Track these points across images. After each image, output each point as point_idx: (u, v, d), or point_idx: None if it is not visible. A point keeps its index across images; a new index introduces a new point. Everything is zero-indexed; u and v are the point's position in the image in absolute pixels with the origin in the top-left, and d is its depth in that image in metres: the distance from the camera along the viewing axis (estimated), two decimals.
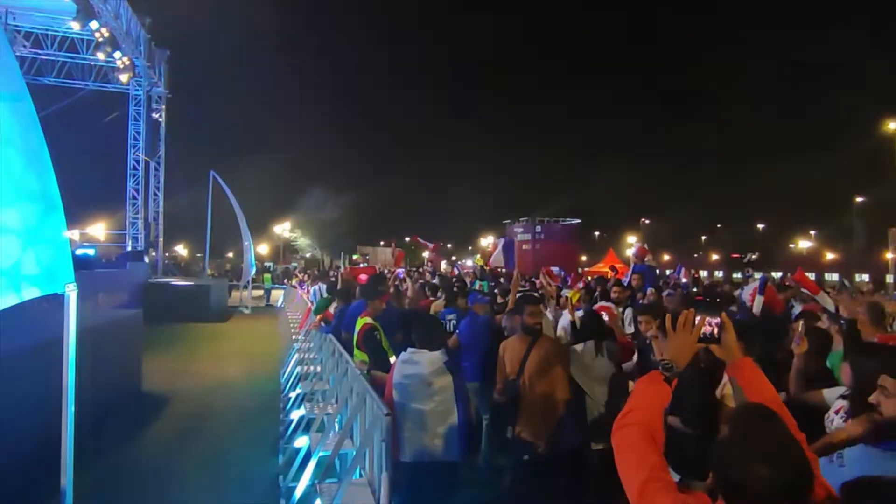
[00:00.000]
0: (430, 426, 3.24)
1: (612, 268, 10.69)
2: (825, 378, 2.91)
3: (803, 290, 5.80)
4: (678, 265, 17.57)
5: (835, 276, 39.76)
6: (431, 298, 7.06)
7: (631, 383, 3.60)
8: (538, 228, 42.25)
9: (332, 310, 6.39)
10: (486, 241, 54.70)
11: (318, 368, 6.26)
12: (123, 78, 16.58)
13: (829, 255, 49.81)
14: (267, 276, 24.96)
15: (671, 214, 58.48)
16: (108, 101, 19.26)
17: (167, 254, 23.68)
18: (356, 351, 4.60)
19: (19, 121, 2.92)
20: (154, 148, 19.26)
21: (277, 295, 22.51)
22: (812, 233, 53.11)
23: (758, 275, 8.45)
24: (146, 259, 17.81)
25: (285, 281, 25.50)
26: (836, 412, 2.44)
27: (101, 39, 14.25)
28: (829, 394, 2.70)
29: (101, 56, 15.30)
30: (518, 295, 4.79)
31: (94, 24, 13.68)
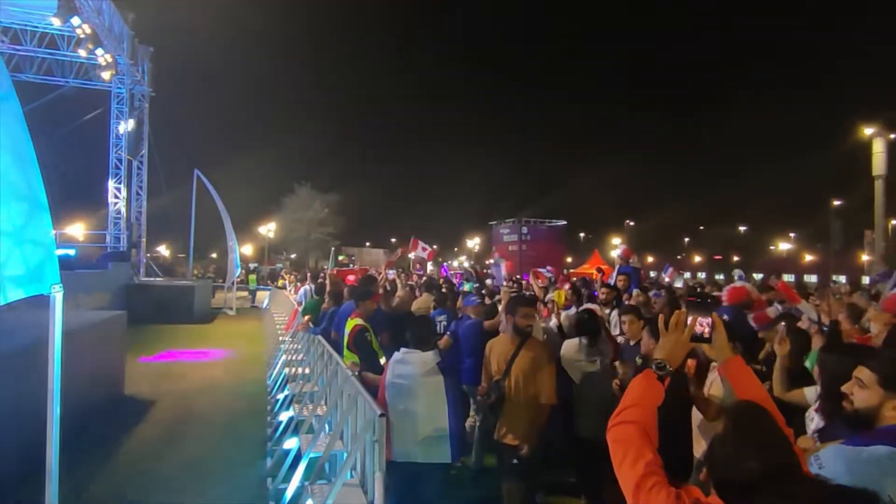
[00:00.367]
0: (421, 427, 3.24)
1: (599, 269, 10.79)
2: (806, 377, 3.00)
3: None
4: (666, 265, 17.80)
5: (813, 278, 40.68)
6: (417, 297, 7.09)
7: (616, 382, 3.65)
8: (524, 229, 42.46)
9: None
10: (473, 242, 54.86)
11: (307, 370, 6.22)
12: (106, 75, 16.27)
13: (808, 257, 50.89)
14: (252, 276, 24.73)
15: (655, 216, 59.23)
16: (90, 98, 18.92)
17: (149, 254, 23.30)
18: (346, 352, 4.59)
19: (6, 119, 2.87)
20: (137, 147, 18.94)
21: (263, 296, 22.33)
22: (791, 235, 54.21)
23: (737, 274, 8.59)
24: (131, 259, 17.54)
25: (270, 282, 25.29)
26: (816, 410, 2.52)
27: (82, 36, 13.96)
28: (809, 392, 2.79)
29: (82, 53, 14.98)
30: (512, 295, 4.83)
31: (75, 21, 13.39)
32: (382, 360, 4.41)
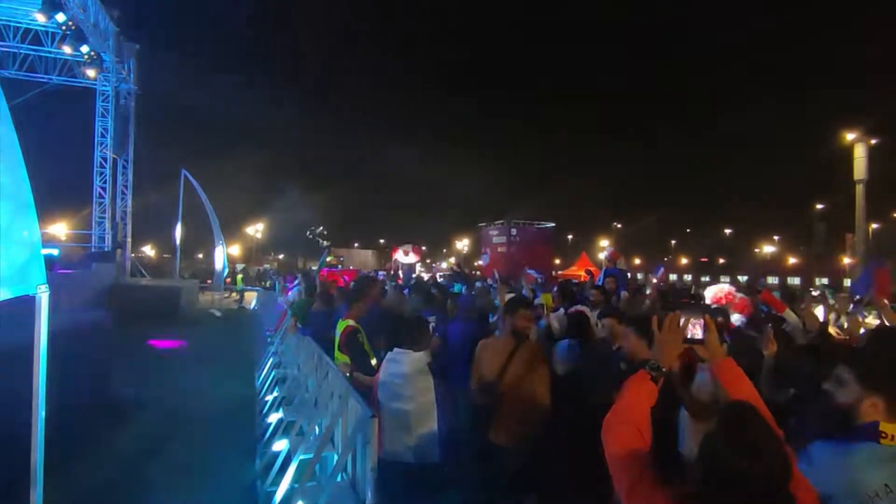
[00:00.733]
0: (411, 426, 3.27)
1: (588, 271, 10.87)
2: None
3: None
4: (657, 266, 17.95)
5: (797, 280, 41.32)
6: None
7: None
8: (513, 231, 42.56)
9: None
10: (462, 243, 54.89)
11: (296, 371, 6.18)
12: (91, 73, 16.01)
13: (792, 260, 51.70)
14: (239, 277, 24.49)
15: (642, 219, 59.85)
16: (74, 96, 18.62)
17: (134, 254, 22.96)
18: (337, 353, 4.57)
19: None
20: (122, 145, 18.67)
21: (250, 297, 22.13)
22: (775, 238, 55.04)
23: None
24: (115, 259, 17.29)
25: (258, 283, 25.09)
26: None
27: (67, 32, 13.76)
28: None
29: (67, 50, 14.75)
30: (510, 297, 4.84)
31: (60, 17, 13.17)
32: (374, 362, 4.42)
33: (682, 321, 1.70)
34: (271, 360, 7.69)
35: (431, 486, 3.54)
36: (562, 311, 6.05)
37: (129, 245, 19.60)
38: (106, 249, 17.94)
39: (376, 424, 2.84)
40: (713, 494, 1.32)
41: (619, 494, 1.48)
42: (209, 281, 21.60)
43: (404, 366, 3.38)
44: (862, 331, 3.84)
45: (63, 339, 5.59)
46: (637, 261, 51.62)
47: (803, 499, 1.36)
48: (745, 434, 1.32)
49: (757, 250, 56.54)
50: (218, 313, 18.26)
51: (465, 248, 54.65)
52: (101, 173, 18.55)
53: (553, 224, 45.51)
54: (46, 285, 3.05)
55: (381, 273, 8.81)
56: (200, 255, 42.22)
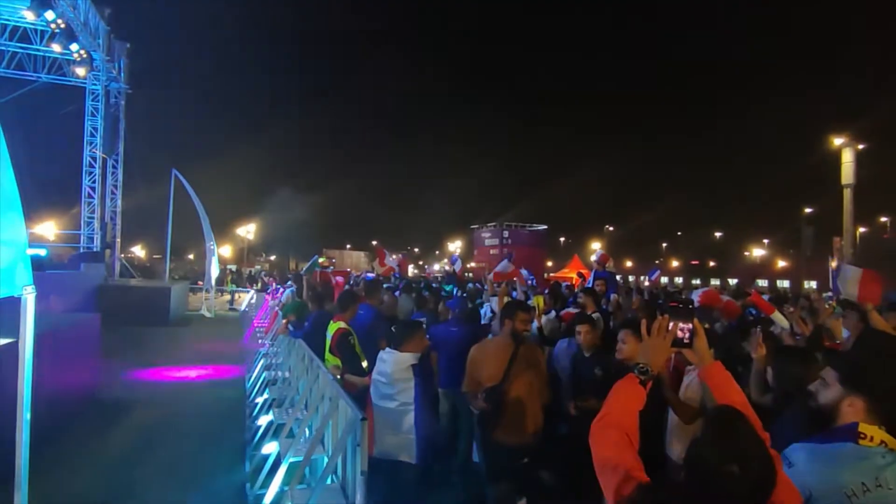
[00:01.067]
0: (392, 425, 3.40)
1: (580, 274, 10.92)
2: None
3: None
4: (653, 269, 18.09)
5: (786, 283, 41.73)
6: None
7: None
8: (506, 234, 42.66)
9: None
10: (454, 245, 54.90)
11: (287, 373, 6.15)
12: (80, 71, 15.82)
13: (781, 263, 52.20)
14: (229, 279, 24.33)
15: (634, 222, 60.20)
16: (63, 94, 18.40)
17: (124, 255, 22.73)
18: (328, 355, 4.56)
19: None
20: (112, 144, 18.49)
21: (242, 298, 21.99)
22: (765, 241, 55.55)
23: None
24: (104, 260, 17.11)
25: (249, 285, 24.91)
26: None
27: (56, 31, 13.59)
28: None
29: (56, 48, 14.54)
30: (508, 300, 4.87)
31: (49, 15, 13.00)
32: (365, 364, 4.42)
33: (670, 325, 1.71)
34: (262, 361, 7.64)
35: (422, 485, 3.57)
36: (553, 313, 6.09)
37: (118, 246, 19.40)
38: (95, 250, 17.75)
39: (366, 427, 2.84)
40: (699, 498, 1.32)
41: (606, 498, 1.48)
42: (200, 282, 21.43)
43: (389, 365, 3.49)
44: (845, 333, 3.88)
45: (50, 340, 5.54)
46: (629, 263, 51.89)
47: (787, 502, 1.37)
48: (731, 440, 1.33)
49: (747, 253, 57.03)
50: (209, 314, 18.13)
51: (458, 250, 54.66)
52: (91, 173, 18.35)
53: (545, 226, 45.67)
54: (33, 286, 3.02)
55: (369, 275, 8.81)
56: (191, 256, 41.91)
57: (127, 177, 19.37)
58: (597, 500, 1.65)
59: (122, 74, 18.86)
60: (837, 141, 17.95)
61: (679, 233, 65.15)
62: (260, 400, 6.33)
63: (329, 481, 3.35)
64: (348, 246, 55.07)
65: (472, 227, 47.30)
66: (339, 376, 4.17)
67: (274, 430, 4.99)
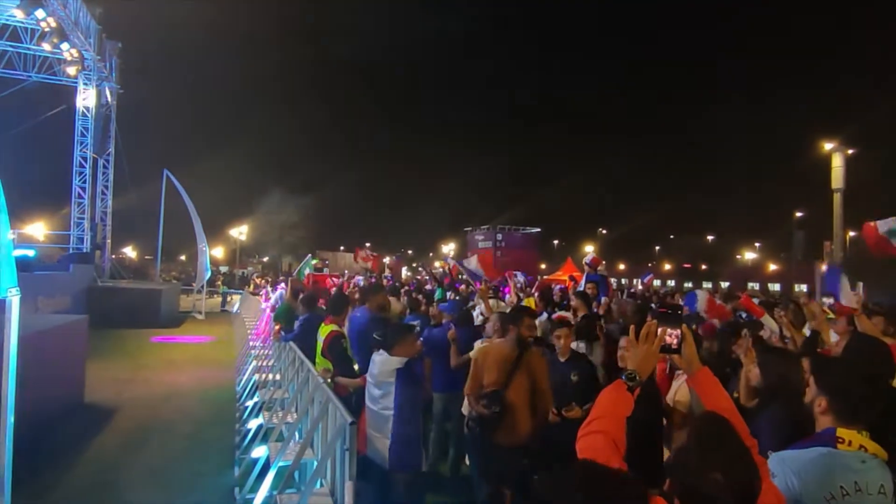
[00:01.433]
0: (375, 427, 3.43)
1: (572, 277, 10.92)
2: None
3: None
4: (646, 272, 18.15)
5: (777, 286, 42.04)
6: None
7: None
8: (499, 236, 42.80)
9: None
10: (448, 247, 54.93)
11: (277, 377, 6.11)
12: (71, 71, 15.70)
13: (772, 266, 52.60)
14: (220, 281, 24.20)
15: (627, 225, 60.44)
16: (53, 94, 18.24)
17: (115, 256, 22.55)
18: (319, 358, 4.53)
19: None
20: (103, 144, 18.34)
21: (233, 300, 21.86)
22: (756, 245, 55.95)
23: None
24: (94, 261, 16.95)
25: (242, 286, 24.78)
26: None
27: (47, 29, 13.46)
28: None
29: (47, 47, 14.42)
30: (516, 306, 4.89)
31: (40, 13, 12.89)
32: (356, 367, 4.41)
33: (658, 331, 1.70)
34: (253, 364, 7.59)
35: (415, 491, 3.55)
36: (544, 315, 6.08)
37: (108, 246, 19.25)
38: (85, 251, 17.58)
39: (356, 431, 2.83)
40: None
41: None
42: (193, 284, 21.28)
43: (377, 366, 3.51)
44: (834, 337, 3.89)
45: (38, 342, 5.47)
46: (622, 266, 52.08)
47: None
48: (715, 447, 1.32)
49: (739, 257, 57.41)
50: (200, 316, 18.00)
51: (451, 252, 54.67)
52: (81, 173, 18.20)
53: (539, 229, 45.86)
54: (17, 288, 2.97)
55: (359, 279, 8.78)
56: (183, 258, 41.61)
57: (118, 177, 19.25)
58: None
59: (114, 74, 18.74)
60: (828, 146, 18.12)
61: (672, 236, 65.56)
62: (250, 403, 6.29)
63: (318, 486, 3.33)
64: (342, 248, 54.89)
65: (466, 229, 47.36)
66: (329, 379, 4.15)
67: (263, 434, 4.95)
